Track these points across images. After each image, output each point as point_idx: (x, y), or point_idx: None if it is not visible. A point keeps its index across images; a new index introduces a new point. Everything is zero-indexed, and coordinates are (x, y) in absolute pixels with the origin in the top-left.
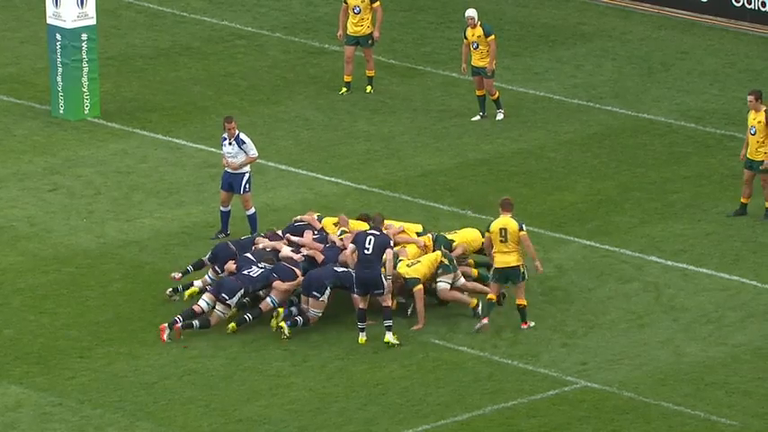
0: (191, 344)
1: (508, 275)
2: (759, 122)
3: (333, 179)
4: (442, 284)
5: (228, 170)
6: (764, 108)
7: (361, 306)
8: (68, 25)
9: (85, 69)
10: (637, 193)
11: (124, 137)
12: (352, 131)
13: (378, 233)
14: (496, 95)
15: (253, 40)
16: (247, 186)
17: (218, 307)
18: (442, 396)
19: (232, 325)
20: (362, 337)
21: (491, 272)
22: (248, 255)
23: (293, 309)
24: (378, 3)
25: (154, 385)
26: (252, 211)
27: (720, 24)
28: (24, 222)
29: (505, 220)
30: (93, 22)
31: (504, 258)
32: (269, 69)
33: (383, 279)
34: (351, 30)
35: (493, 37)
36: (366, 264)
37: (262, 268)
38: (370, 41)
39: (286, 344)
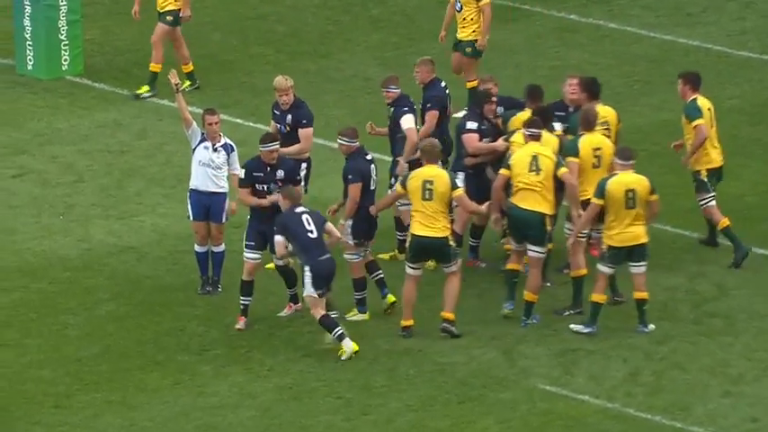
0: (208, 388)
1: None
2: None
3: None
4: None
5: (203, 188)
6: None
7: (322, 310)
8: None
9: (63, 9)
10: None
11: (116, 103)
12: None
13: (309, 210)
14: (475, 82)
15: None
16: (227, 214)
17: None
18: None
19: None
20: (351, 346)
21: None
22: None
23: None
24: None
25: None
26: (222, 247)
27: None
28: None
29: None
30: None
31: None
32: (316, 10)
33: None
34: (158, 4)
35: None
36: (319, 249)
37: None
38: (168, 18)
39: (338, 390)
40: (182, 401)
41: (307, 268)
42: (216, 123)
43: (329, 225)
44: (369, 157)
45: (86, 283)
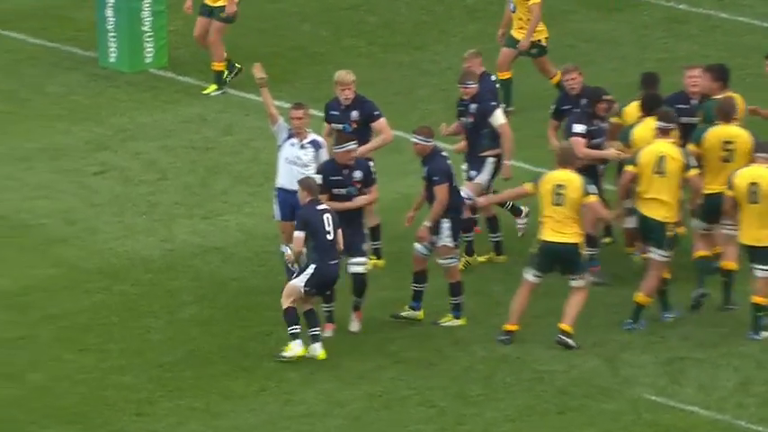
0: (296, 395)
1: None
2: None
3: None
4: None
5: (290, 187)
6: None
7: (291, 303)
8: None
9: (147, 0)
10: None
11: (201, 97)
12: (531, 89)
13: (330, 209)
14: (557, 77)
15: None
16: None
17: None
18: None
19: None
20: (299, 350)
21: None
22: None
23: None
24: None
25: None
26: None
27: None
28: (59, 219)
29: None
30: None
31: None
32: (410, 0)
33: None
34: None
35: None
36: (332, 252)
37: None
38: (222, 14)
39: (431, 398)
40: (268, 409)
41: (312, 266)
42: (301, 118)
43: (340, 232)
44: (445, 154)
45: (169, 285)
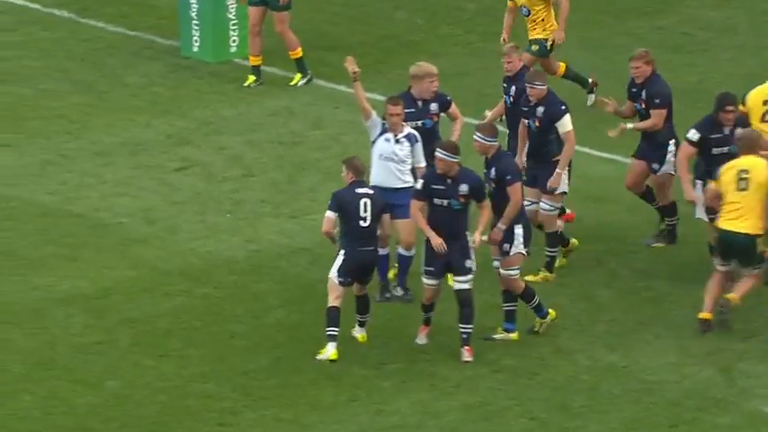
0: (388, 405)
1: None
2: None
3: (605, 155)
4: None
5: (386, 185)
6: None
7: (336, 301)
8: None
9: None
10: None
11: (289, 88)
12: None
13: (372, 193)
14: (561, 68)
15: None
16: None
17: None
18: None
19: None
20: (331, 353)
21: None
22: None
23: None
24: None
25: None
26: (412, 251)
27: None
28: (138, 218)
29: None
30: None
31: None
32: None
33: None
34: None
35: None
36: (364, 239)
37: None
38: (281, 2)
39: (532, 410)
40: (358, 420)
41: (342, 252)
42: (399, 114)
43: (386, 217)
44: (510, 153)
45: (254, 288)
